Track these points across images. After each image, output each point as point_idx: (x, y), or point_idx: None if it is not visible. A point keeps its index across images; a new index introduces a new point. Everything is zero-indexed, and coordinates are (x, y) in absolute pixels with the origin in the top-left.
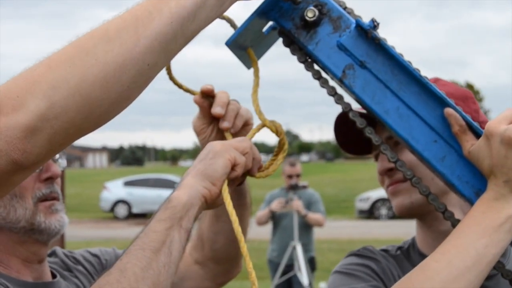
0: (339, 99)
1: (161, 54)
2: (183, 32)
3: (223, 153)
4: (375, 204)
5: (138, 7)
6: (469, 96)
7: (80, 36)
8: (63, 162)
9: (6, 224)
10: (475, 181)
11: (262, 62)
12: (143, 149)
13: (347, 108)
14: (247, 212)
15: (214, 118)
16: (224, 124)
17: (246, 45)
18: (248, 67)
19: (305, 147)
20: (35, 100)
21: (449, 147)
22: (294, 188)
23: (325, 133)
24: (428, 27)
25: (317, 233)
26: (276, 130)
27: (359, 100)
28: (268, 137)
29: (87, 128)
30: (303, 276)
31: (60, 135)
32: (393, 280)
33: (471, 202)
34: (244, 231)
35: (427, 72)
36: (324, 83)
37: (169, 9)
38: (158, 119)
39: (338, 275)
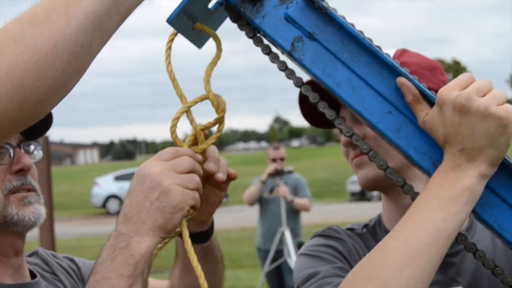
0: (290, 73)
1: (95, 34)
2: (117, 9)
3: (183, 206)
4: None
5: None
6: (437, 67)
7: (8, 22)
8: (38, 154)
9: None
10: (433, 152)
11: (242, 52)
12: (134, 143)
13: (298, 83)
14: (218, 267)
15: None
16: (220, 176)
17: (193, 22)
18: (199, 46)
19: (296, 133)
20: None
21: (404, 117)
22: (279, 173)
23: None
24: (408, 7)
25: (311, 218)
26: (217, 106)
27: (309, 74)
28: (258, 125)
29: (23, 119)
30: (293, 262)
31: None
32: (359, 259)
33: (429, 174)
34: (218, 285)
35: None
36: (274, 58)
37: None
38: (145, 112)
39: (303, 257)
